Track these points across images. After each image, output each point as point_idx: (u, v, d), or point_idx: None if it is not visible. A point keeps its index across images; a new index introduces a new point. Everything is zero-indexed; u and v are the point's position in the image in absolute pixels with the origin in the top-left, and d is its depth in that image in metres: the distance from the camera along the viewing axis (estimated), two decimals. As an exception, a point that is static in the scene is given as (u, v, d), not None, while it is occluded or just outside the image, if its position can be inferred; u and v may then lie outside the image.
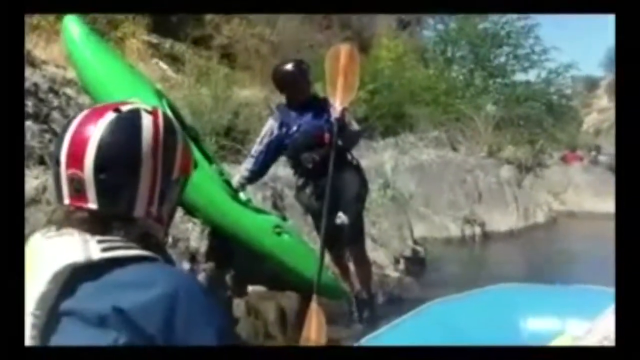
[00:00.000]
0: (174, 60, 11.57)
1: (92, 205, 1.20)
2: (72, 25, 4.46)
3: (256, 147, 4.75)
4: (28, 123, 4.50)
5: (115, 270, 1.12)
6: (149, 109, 1.26)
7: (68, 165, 1.19)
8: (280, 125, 4.66)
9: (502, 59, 20.03)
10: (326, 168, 4.35)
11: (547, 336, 2.43)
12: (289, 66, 4.67)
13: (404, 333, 2.88)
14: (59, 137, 1.24)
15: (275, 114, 4.84)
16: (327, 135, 4.46)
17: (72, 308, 1.11)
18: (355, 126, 4.67)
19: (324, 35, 16.41)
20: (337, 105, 4.30)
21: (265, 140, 4.69)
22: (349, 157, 4.73)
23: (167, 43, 12.61)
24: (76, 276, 1.11)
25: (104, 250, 1.14)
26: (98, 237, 1.16)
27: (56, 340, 1.11)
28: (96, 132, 1.19)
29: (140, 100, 1.29)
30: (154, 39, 12.35)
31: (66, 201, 1.21)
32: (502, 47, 19.91)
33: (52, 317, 1.12)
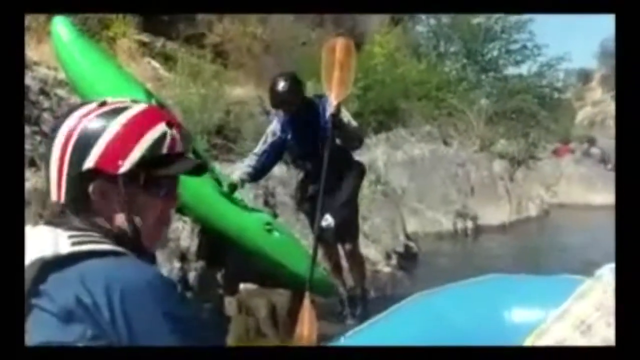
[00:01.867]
0: (166, 59, 11.54)
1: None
2: (61, 26, 4.48)
3: (260, 146, 4.74)
4: (18, 125, 4.52)
5: (81, 264, 1.13)
6: (106, 100, 1.26)
7: None
8: (282, 128, 4.66)
9: (495, 53, 20.05)
10: (318, 174, 4.32)
11: (530, 326, 2.46)
12: (280, 86, 4.52)
13: (389, 325, 2.91)
14: None
15: (279, 114, 4.80)
16: (320, 147, 4.38)
17: (41, 303, 1.12)
18: (353, 123, 4.61)
19: (317, 32, 16.37)
20: (332, 100, 4.26)
21: (269, 140, 4.70)
22: (347, 156, 4.71)
23: (159, 42, 12.58)
24: (45, 270, 1.13)
25: (74, 244, 1.15)
26: (70, 232, 1.17)
27: (27, 335, 1.12)
28: None
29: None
30: (146, 38, 12.32)
31: None
32: (495, 41, 19.93)
33: (25, 311, 1.13)
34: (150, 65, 11.23)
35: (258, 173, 4.81)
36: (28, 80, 5.99)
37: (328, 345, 2.77)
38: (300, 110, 4.57)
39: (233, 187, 4.66)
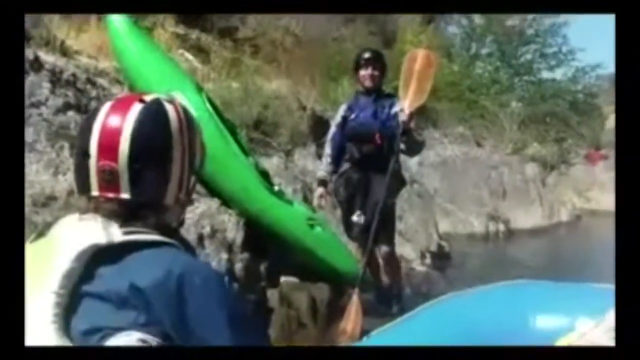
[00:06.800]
0: (199, 51, 11.60)
1: (125, 195, 1.23)
2: (117, 18, 4.55)
3: (331, 130, 4.91)
4: (70, 113, 4.60)
5: (135, 253, 1.17)
6: (167, 98, 1.30)
7: (100, 157, 1.22)
8: (348, 109, 4.80)
9: (529, 57, 19.89)
10: (366, 165, 4.57)
11: (557, 333, 2.46)
12: (366, 53, 4.80)
13: (415, 325, 2.92)
14: (83, 130, 1.26)
15: (350, 98, 5.02)
16: (378, 135, 4.57)
17: (94, 289, 1.15)
18: (419, 137, 4.68)
19: (348, 28, 16.37)
20: (405, 108, 4.37)
21: (336, 121, 4.86)
22: (394, 161, 4.78)
23: (194, 34, 12.65)
24: (98, 257, 1.15)
25: (125, 233, 1.18)
26: (120, 223, 1.21)
27: (78, 320, 1.14)
28: (127, 123, 1.22)
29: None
30: (181, 30, 12.40)
31: (95, 193, 1.24)
32: (529, 44, 19.77)
33: (74, 296, 1.14)
34: (184, 57, 11.31)
35: (337, 154, 4.85)
36: (74, 69, 6.07)
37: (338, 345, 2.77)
38: (380, 95, 4.76)
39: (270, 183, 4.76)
